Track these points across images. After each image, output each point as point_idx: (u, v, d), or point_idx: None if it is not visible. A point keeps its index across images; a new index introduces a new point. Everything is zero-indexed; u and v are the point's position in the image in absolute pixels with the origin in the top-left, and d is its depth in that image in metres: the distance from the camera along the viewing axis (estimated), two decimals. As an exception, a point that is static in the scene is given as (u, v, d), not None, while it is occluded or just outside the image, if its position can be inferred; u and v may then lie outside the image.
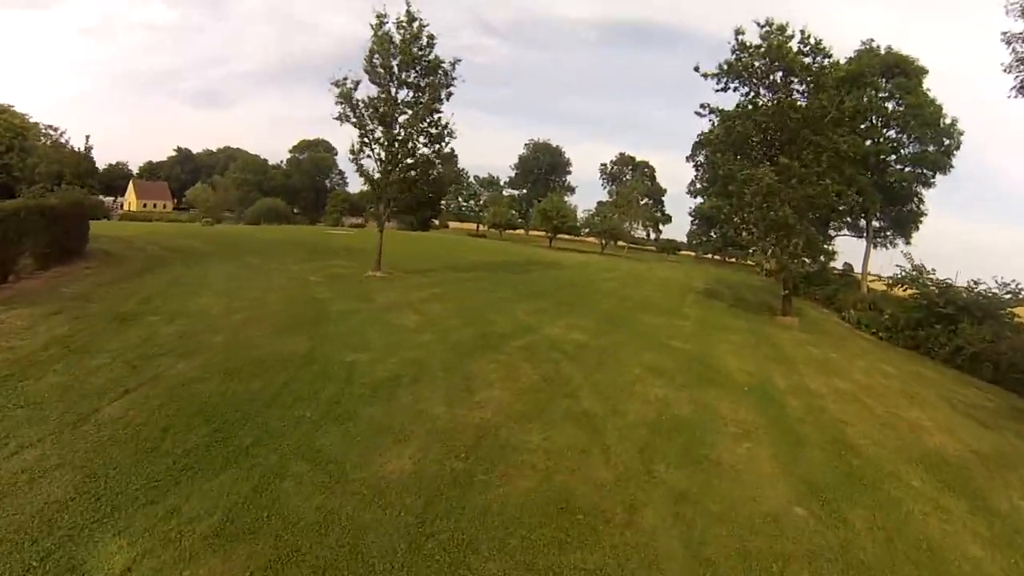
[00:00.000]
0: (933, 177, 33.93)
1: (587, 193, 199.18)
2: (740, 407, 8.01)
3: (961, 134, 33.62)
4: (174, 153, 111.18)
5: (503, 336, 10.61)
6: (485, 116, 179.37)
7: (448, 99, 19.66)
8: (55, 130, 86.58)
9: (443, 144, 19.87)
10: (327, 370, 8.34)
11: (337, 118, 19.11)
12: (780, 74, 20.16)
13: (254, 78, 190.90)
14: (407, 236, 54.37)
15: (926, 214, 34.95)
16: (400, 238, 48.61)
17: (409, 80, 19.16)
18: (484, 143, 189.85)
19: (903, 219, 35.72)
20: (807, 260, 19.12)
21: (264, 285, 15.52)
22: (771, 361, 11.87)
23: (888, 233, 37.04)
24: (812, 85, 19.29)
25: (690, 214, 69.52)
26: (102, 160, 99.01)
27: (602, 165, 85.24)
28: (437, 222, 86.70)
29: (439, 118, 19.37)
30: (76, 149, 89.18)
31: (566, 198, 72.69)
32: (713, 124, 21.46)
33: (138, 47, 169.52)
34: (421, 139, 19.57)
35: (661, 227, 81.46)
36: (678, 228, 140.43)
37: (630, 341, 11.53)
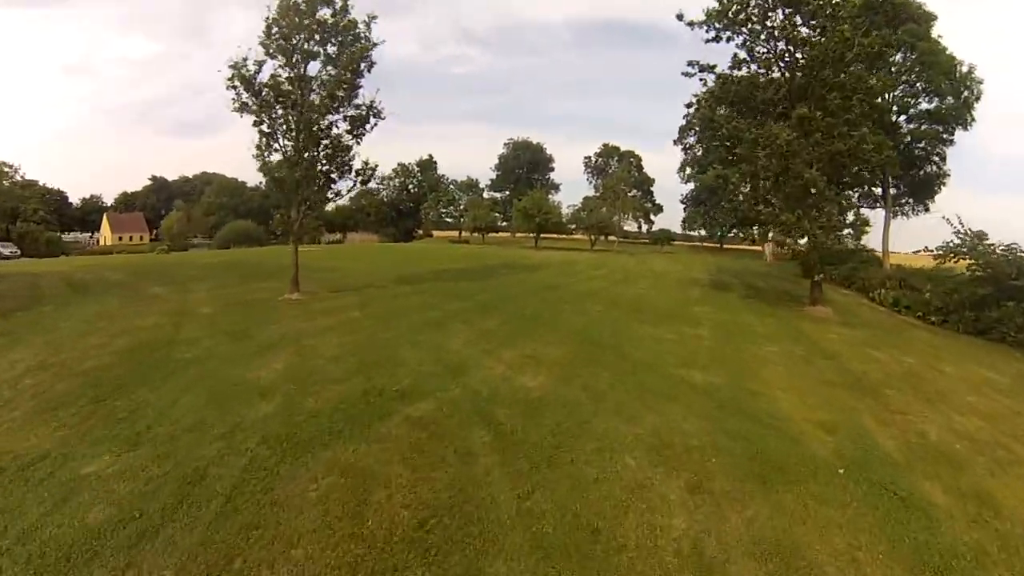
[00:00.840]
0: (952, 134, 29.94)
1: (573, 191, 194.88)
2: (855, 539, 3.73)
3: (980, 83, 29.70)
4: (149, 182, 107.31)
5: (401, 394, 6.28)
6: (471, 125, 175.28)
7: (370, 70, 15.47)
8: (10, 167, 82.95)
9: (368, 128, 15.61)
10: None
11: (237, 109, 14.80)
12: (781, 14, 16.15)
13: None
14: (380, 247, 50.08)
15: (948, 175, 30.79)
16: (367, 250, 44.29)
17: (319, 51, 14.98)
18: (470, 152, 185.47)
19: (922, 184, 31.60)
20: (843, 233, 14.90)
21: (125, 326, 11.43)
22: (842, 388, 7.62)
23: (907, 201, 32.93)
24: (829, 16, 15.14)
25: (682, 201, 65.41)
26: (76, 194, 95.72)
27: (586, 158, 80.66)
28: (421, 232, 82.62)
29: (358, 92, 15.18)
30: (43, 185, 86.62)
31: (551, 196, 68.49)
32: (705, 84, 17.38)
33: (116, 80, 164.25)
34: (341, 125, 15.38)
35: (652, 217, 77.23)
36: (671, 219, 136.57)
37: (619, 381, 7.19)
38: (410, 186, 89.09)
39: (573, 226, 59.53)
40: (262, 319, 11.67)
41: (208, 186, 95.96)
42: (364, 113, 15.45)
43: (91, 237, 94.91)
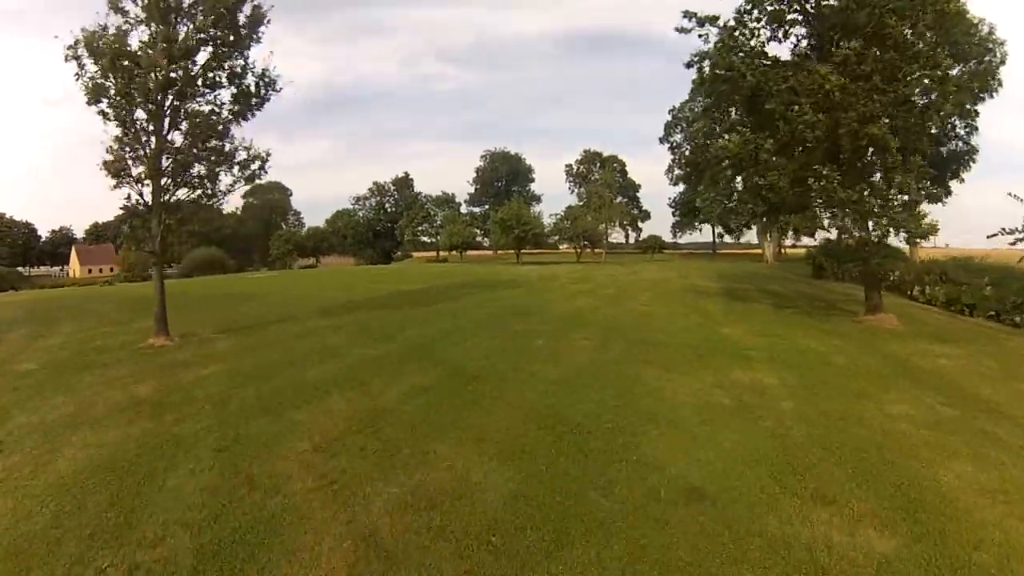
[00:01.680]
0: (976, 104, 26.35)
1: (555, 205, 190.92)
2: None
3: (1002, 44, 26.22)
4: (121, 212, 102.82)
5: None
6: (449, 143, 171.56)
7: (259, 27, 11.18)
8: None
9: (260, 103, 11.36)
10: None
11: (90, 92, 10.38)
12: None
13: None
14: (346, 271, 45.13)
15: (978, 150, 27.09)
16: (328, 274, 39.20)
17: (181, 3, 10.68)
18: (449, 170, 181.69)
19: (943, 164, 27.89)
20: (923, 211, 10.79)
21: None
22: None
23: (926, 182, 29.18)
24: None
25: (670, 205, 61.78)
26: (44, 227, 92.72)
27: (567, 166, 76.53)
28: (400, 253, 78.22)
29: (239, 58, 10.95)
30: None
31: (532, 207, 64.36)
32: (707, 40, 13.47)
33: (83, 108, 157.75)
34: (226, 106, 11.08)
35: (640, 225, 73.51)
36: (658, 227, 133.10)
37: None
38: (387, 205, 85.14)
39: (556, 238, 55.25)
40: (63, 385, 7.21)
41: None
42: (251, 86, 11.22)
43: (61, 270, 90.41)
